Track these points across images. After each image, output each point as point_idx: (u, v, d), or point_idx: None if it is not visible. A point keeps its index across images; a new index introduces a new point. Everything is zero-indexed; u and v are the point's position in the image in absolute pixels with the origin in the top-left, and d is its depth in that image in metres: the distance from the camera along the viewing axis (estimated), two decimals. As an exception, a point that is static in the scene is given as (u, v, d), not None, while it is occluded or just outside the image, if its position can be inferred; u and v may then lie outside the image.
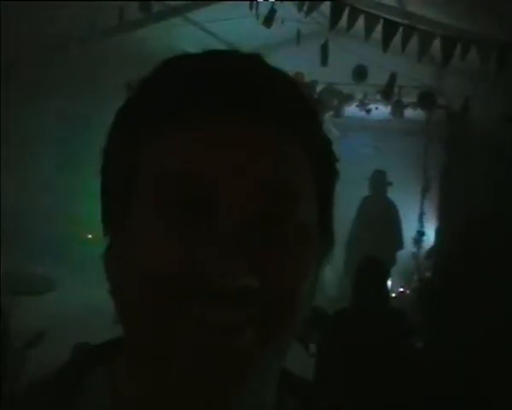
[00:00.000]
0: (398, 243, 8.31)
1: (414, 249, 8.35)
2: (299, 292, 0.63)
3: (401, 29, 5.09)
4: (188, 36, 6.85)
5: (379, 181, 8.49)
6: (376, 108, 8.19)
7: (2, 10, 5.49)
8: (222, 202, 0.60)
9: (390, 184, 8.52)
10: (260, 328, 0.61)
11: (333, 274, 8.23)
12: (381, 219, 8.17)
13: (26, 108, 7.66)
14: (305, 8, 5.01)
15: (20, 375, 3.57)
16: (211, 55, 0.67)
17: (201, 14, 7.06)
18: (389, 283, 4.61)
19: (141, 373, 0.66)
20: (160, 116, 0.64)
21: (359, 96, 8.32)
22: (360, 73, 7.40)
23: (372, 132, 9.18)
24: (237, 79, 0.63)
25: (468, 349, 4.17)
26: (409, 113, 8.13)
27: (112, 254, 0.68)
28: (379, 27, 5.06)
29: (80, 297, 7.10)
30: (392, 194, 8.53)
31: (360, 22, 5.03)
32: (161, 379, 0.62)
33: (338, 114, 8.38)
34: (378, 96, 7.87)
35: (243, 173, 0.61)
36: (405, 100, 7.93)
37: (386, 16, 5.17)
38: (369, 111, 8.34)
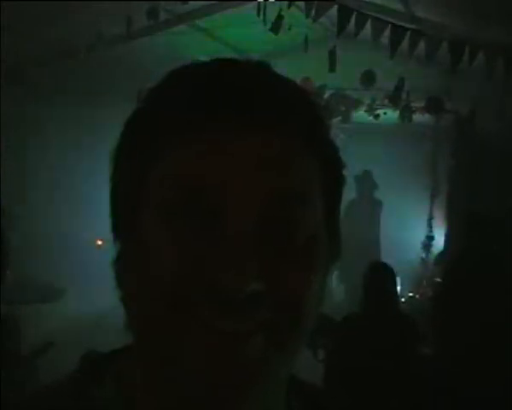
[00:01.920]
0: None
1: (423, 254, 8.32)
2: (307, 298, 0.63)
3: (408, 34, 5.08)
4: (195, 43, 6.87)
5: (365, 182, 8.50)
6: (385, 113, 8.17)
7: (8, 13, 5.50)
8: (230, 210, 0.61)
9: (376, 185, 8.58)
10: (268, 334, 0.61)
11: (339, 280, 8.23)
12: (367, 222, 8.26)
13: (36, 113, 7.71)
14: (312, 13, 5.01)
15: (28, 383, 3.57)
16: (218, 63, 0.67)
17: (209, 21, 7.07)
18: (398, 288, 4.59)
19: (150, 379, 0.66)
20: (169, 126, 0.64)
21: (367, 101, 8.31)
22: (368, 78, 7.38)
23: (380, 137, 9.17)
24: (245, 86, 0.64)
25: (477, 354, 4.16)
26: (417, 117, 8.11)
27: (122, 262, 0.68)
28: (386, 32, 5.06)
29: (90, 305, 7.11)
30: (401, 199, 8.51)
31: (368, 28, 5.03)
32: (170, 385, 0.63)
33: (346, 119, 8.37)
34: (386, 101, 7.85)
35: (252, 181, 0.61)
36: (413, 105, 7.91)
37: (393, 21, 5.17)
38: (377, 116, 8.33)
